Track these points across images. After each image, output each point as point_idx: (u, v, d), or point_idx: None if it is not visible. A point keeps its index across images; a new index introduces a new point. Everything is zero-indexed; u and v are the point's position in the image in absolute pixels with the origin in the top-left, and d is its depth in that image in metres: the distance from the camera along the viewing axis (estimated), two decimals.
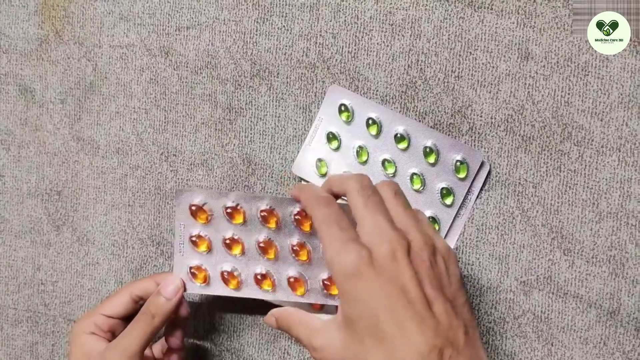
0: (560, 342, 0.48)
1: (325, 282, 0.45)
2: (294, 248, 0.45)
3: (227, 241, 0.46)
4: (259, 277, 0.46)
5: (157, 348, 0.50)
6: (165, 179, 0.53)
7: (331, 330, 0.40)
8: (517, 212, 0.48)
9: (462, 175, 0.47)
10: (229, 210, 0.45)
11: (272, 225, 0.45)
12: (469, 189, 0.48)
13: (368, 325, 0.37)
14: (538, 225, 0.48)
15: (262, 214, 0.45)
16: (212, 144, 0.52)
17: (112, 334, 0.47)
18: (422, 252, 0.38)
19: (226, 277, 0.47)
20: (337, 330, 0.39)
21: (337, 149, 0.49)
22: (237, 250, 0.46)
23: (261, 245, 0.46)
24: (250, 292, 0.47)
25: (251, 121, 0.51)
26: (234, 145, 0.52)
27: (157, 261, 0.54)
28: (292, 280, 0.45)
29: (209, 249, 0.47)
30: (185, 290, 0.47)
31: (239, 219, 0.46)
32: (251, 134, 0.51)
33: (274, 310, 0.44)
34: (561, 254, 0.47)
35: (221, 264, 0.47)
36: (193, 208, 0.46)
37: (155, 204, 0.53)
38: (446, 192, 0.48)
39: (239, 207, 0.45)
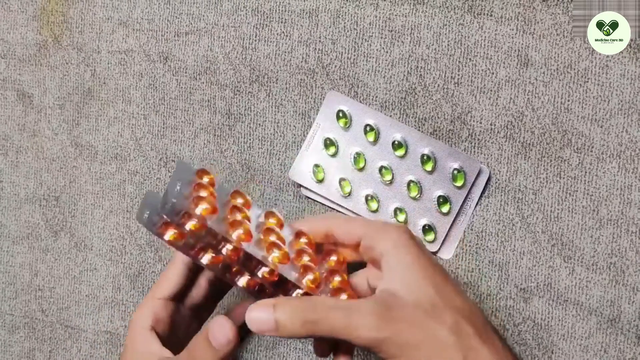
0: (560, 350, 0.47)
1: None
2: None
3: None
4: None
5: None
6: (164, 184, 0.53)
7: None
8: (517, 218, 0.48)
9: (459, 183, 0.47)
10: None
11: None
12: (468, 196, 0.48)
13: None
14: (538, 232, 0.47)
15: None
16: (210, 149, 0.52)
17: (172, 325, 0.42)
18: None
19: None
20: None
21: (335, 155, 0.49)
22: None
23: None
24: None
25: (250, 127, 0.51)
26: (233, 151, 0.51)
27: (155, 267, 0.53)
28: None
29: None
30: (239, 339, 0.34)
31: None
32: (250, 139, 0.51)
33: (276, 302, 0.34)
34: (561, 260, 0.47)
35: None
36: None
37: None
38: (443, 200, 0.47)
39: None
